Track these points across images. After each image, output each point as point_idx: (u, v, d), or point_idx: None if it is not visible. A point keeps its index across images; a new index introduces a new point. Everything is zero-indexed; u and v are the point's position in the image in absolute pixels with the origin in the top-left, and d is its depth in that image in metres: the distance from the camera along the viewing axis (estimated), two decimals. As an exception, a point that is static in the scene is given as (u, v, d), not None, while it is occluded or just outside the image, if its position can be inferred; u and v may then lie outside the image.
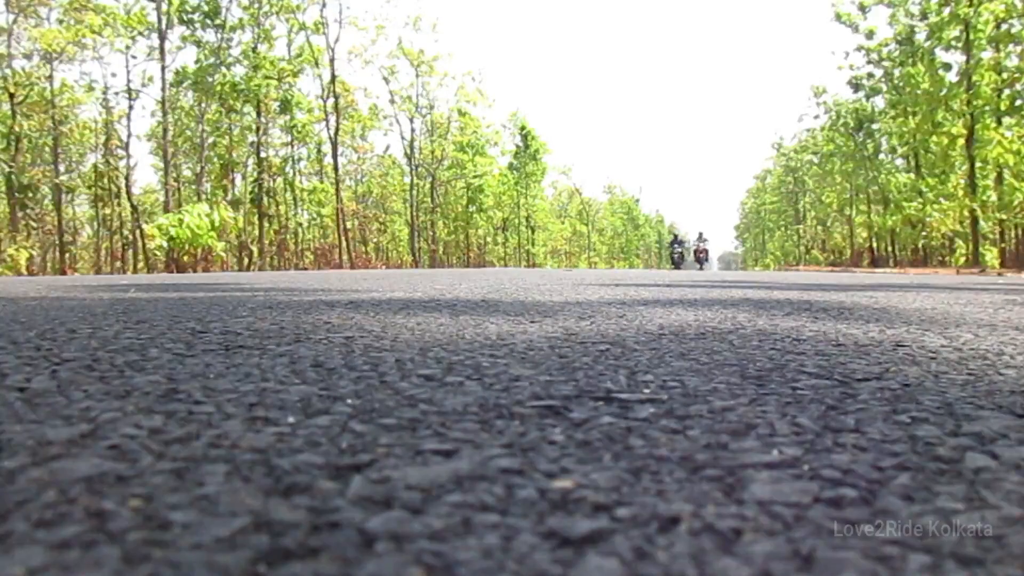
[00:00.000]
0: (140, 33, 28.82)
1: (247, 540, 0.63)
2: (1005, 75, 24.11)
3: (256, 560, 0.59)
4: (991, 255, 27.47)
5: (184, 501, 0.73)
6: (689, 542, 0.64)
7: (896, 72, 31.87)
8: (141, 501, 0.73)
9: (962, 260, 27.67)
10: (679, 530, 0.67)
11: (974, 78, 24.53)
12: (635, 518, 0.70)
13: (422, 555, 0.61)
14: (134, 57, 30.08)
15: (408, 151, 42.12)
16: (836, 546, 0.63)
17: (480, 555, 0.61)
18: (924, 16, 27.60)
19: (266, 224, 33.18)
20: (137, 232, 28.25)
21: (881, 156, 36.99)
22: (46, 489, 0.76)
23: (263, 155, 33.25)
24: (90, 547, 0.61)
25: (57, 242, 29.69)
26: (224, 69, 30.72)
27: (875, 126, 36.83)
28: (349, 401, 1.23)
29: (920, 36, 29.31)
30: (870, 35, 32.77)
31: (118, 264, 31.70)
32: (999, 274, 17.19)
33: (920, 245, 32.50)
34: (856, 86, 35.10)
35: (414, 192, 42.43)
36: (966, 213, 26.36)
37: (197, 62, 30.86)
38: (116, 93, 30.69)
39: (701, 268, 30.58)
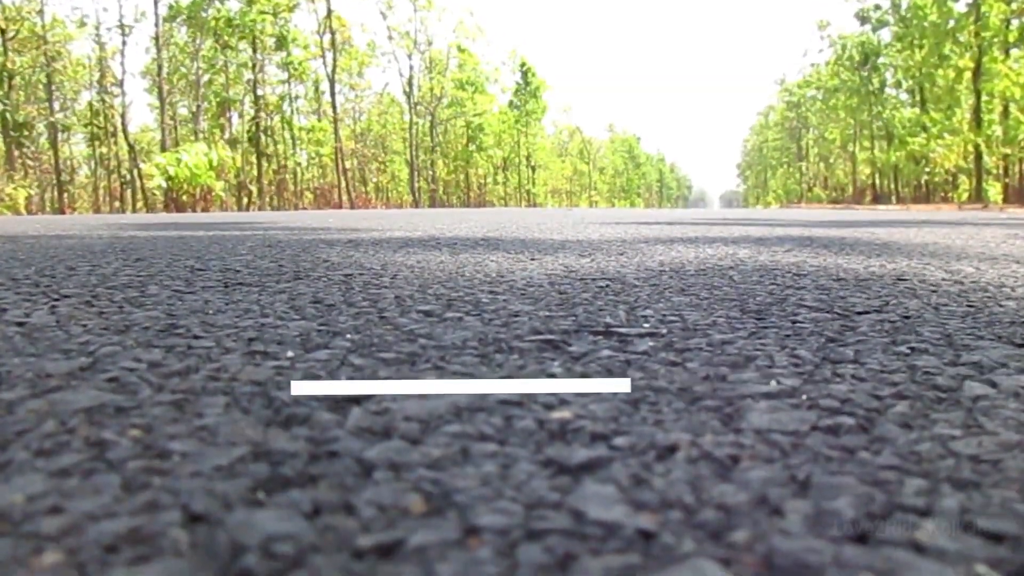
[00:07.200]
0: (131, -34, 28.17)
1: (246, 469, 0.64)
2: (1014, 5, 23.59)
3: (255, 488, 0.60)
4: (994, 190, 27.30)
5: (183, 431, 0.73)
6: (686, 469, 0.64)
7: (903, 3, 31.20)
8: (140, 431, 0.73)
9: (965, 196, 27.51)
10: (676, 458, 0.67)
11: (982, 9, 24.01)
12: (633, 447, 0.70)
13: (420, 483, 0.61)
14: (126, -9, 29.34)
15: (407, 89, 41.51)
16: (833, 471, 0.63)
17: (478, 483, 0.61)
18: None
19: (264, 164, 32.91)
20: (135, 171, 28.03)
21: (886, 91, 36.46)
22: (45, 420, 0.76)
23: (260, 93, 32.79)
24: (90, 475, 0.62)
25: (55, 181, 29.50)
26: (218, 3, 30.08)
27: (881, 60, 36.20)
28: (348, 336, 1.23)
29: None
30: (878, -35, 31.98)
31: (117, 204, 31.54)
32: (1001, 210, 17.11)
33: (923, 181, 32.28)
34: (863, 18, 34.41)
35: (413, 131, 41.95)
36: (970, 148, 26.11)
37: (190, -4, 30.20)
38: (109, 29, 30.18)
39: None
